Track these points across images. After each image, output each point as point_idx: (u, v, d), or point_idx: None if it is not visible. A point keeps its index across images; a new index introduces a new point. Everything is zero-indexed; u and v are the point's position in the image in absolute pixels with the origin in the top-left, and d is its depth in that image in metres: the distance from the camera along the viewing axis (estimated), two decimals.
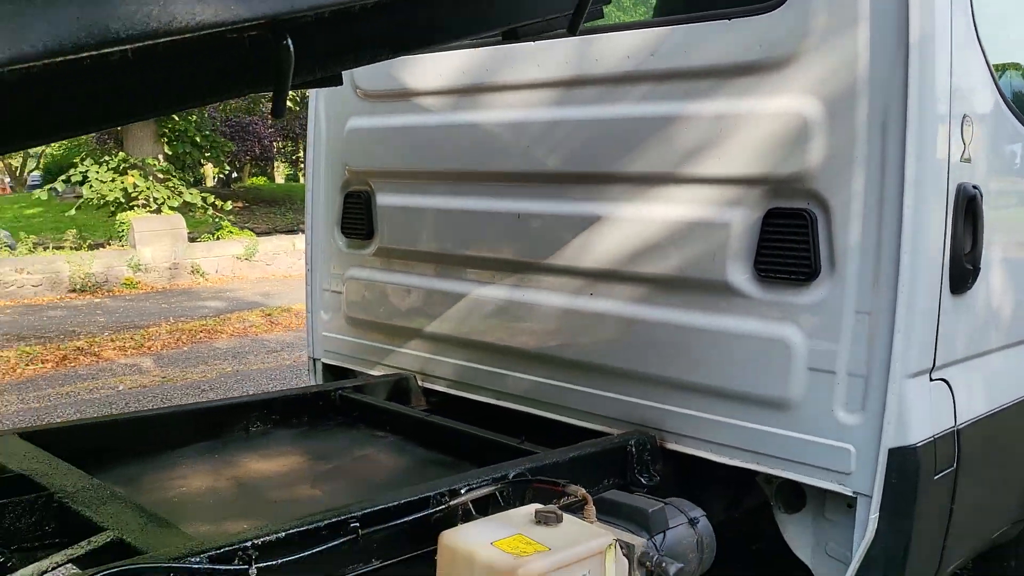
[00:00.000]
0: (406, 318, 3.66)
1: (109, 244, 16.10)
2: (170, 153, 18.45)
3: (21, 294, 13.61)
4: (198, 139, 19.07)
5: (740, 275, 2.62)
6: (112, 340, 10.07)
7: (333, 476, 2.75)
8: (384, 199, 3.71)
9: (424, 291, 3.59)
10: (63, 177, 18.11)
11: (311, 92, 4.03)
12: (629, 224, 2.87)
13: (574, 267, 3.03)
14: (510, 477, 2.34)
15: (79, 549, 1.89)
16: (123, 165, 17.02)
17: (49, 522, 2.13)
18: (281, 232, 20.10)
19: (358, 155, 3.79)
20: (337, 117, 3.83)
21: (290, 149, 29.66)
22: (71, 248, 15.46)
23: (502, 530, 1.86)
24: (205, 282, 15.01)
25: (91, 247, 15.75)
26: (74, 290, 14.01)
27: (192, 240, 15.90)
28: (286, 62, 1.34)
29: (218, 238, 16.76)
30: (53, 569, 1.81)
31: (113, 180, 16.91)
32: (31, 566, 1.82)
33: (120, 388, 8.02)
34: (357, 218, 3.81)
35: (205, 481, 2.66)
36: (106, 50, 1.01)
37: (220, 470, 2.76)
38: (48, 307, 12.85)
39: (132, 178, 16.74)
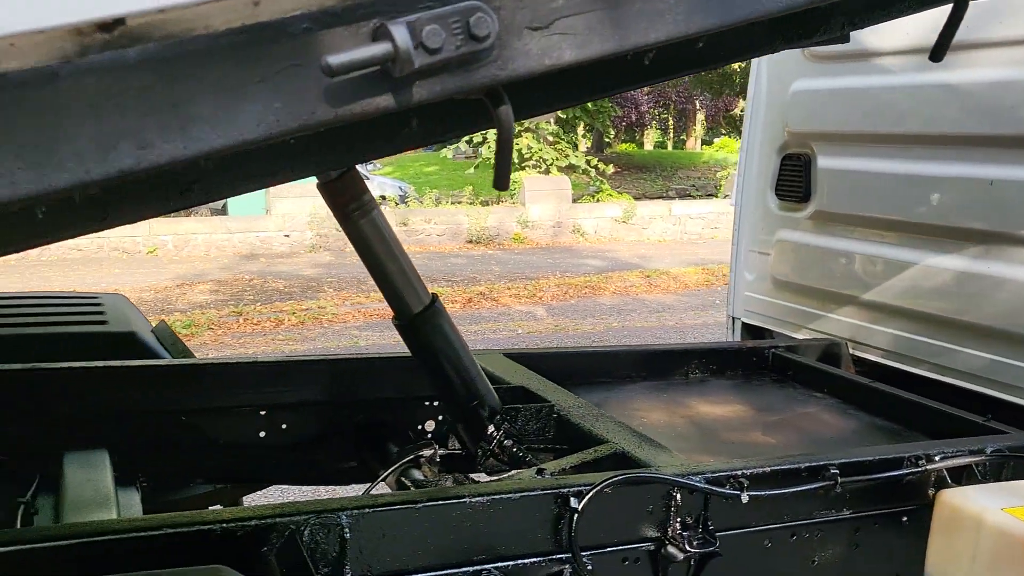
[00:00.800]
0: (840, 283, 3.60)
1: (501, 201, 17.54)
2: (562, 117, 19.57)
3: (428, 242, 15.34)
4: (589, 104, 20.01)
5: None
6: (508, 288, 11.02)
7: (781, 427, 2.82)
8: (826, 162, 3.66)
9: (865, 257, 3.51)
10: (465, 138, 20.00)
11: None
12: None
13: None
14: (987, 452, 2.25)
15: (588, 455, 2.14)
16: (518, 128, 18.42)
17: (550, 429, 2.44)
18: (650, 198, 20.53)
19: (801, 117, 3.77)
20: (781, 79, 3.84)
21: (664, 116, 30.02)
22: (467, 203, 17.09)
23: (1010, 498, 1.81)
24: (585, 241, 15.83)
25: (483, 203, 17.28)
26: (470, 241, 15.51)
27: (574, 201, 16.81)
28: None
29: (597, 200, 17.55)
30: (572, 466, 2.08)
31: None
32: (554, 461, 2.11)
33: (519, 332, 8.78)
34: (794, 180, 3.81)
35: (660, 415, 2.86)
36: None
37: (671, 407, 2.95)
38: (450, 255, 14.36)
39: (526, 140, 18.05)
